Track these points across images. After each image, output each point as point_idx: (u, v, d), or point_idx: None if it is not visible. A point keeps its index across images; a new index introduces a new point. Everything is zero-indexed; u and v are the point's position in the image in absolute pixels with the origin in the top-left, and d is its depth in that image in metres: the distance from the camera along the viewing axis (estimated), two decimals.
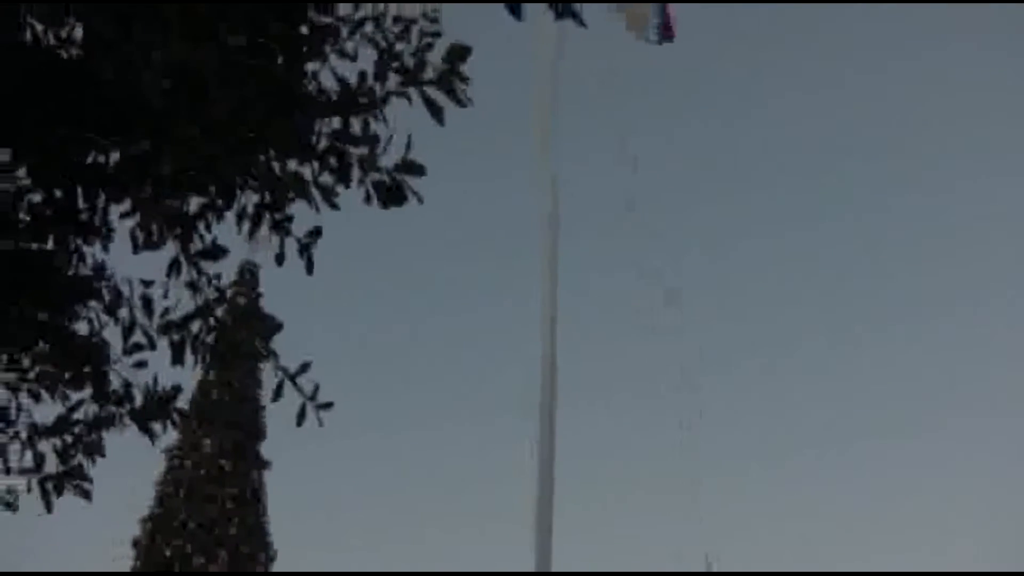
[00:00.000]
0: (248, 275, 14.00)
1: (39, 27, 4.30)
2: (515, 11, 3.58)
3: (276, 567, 16.89)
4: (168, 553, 16.27)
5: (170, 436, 16.70)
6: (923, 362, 32.62)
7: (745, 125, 34.23)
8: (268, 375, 4.92)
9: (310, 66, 4.30)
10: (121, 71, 3.93)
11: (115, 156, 4.42)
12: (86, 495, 4.99)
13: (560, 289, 11.95)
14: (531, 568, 10.22)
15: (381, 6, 4.36)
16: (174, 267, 4.69)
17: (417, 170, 4.28)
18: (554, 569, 10.34)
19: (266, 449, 17.27)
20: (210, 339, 4.86)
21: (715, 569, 11.00)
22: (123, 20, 3.99)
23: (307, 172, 4.39)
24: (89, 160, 4.43)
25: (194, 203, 4.58)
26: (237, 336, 4.84)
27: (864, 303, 34.70)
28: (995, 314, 30.57)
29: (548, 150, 12.11)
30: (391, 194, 4.30)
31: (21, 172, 4.48)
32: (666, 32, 13.79)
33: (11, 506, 5.02)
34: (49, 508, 4.95)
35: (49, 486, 4.98)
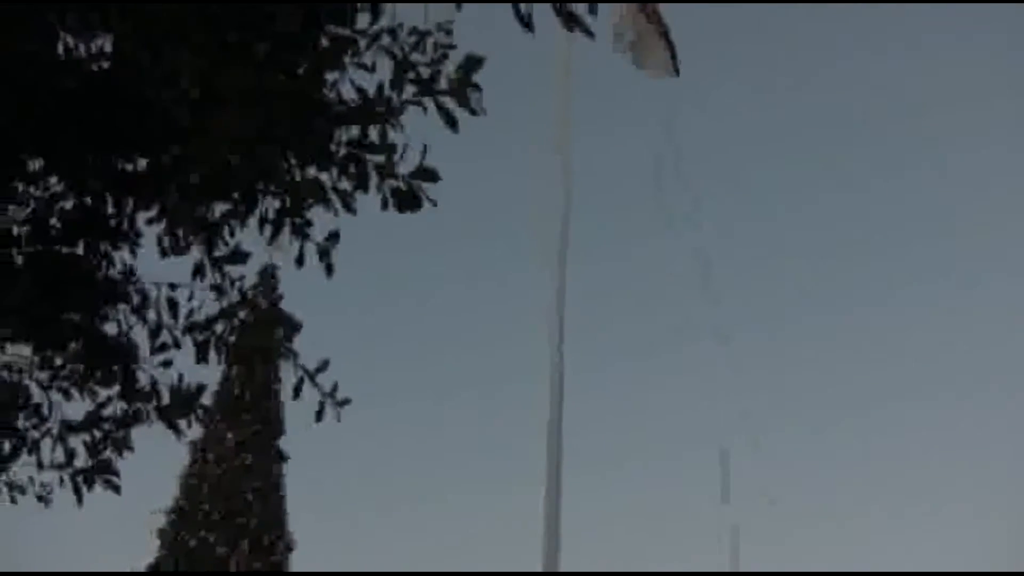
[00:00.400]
0: (269, 278, 14.04)
1: (70, 40, 4.37)
2: (527, 24, 3.62)
3: (294, 556, 16.97)
4: (192, 543, 16.36)
5: (194, 431, 16.76)
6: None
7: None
8: (287, 372, 4.98)
9: (329, 76, 4.34)
10: (151, 89, 3.99)
11: (142, 165, 4.48)
12: (115, 489, 5.04)
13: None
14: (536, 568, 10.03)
15: (397, 19, 4.40)
16: (199, 271, 4.75)
17: (432, 177, 4.34)
18: (563, 561, 10.14)
19: (285, 443, 17.34)
20: (233, 339, 4.92)
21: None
22: (154, 45, 4.04)
23: (326, 179, 4.45)
24: (117, 169, 4.49)
25: (218, 209, 4.63)
26: (259, 337, 4.90)
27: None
28: None
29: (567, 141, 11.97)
30: (407, 200, 4.36)
31: (53, 180, 4.56)
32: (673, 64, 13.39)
33: (44, 499, 5.08)
34: (80, 500, 5.00)
35: (80, 480, 5.03)
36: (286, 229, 4.57)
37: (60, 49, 4.34)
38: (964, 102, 29.40)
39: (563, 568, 10.16)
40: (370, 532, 28.03)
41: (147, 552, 16.64)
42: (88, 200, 4.56)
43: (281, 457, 17.21)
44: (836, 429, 29.90)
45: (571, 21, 3.81)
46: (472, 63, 4.35)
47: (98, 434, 5.10)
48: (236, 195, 4.51)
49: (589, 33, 3.84)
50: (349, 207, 4.49)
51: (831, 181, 32.85)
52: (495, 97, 4.42)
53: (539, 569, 10.04)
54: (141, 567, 16.52)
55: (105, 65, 4.35)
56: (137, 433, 5.15)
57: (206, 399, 5.18)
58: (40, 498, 5.09)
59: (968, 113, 29.20)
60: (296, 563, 16.98)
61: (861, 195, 32.25)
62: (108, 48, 4.37)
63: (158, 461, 16.35)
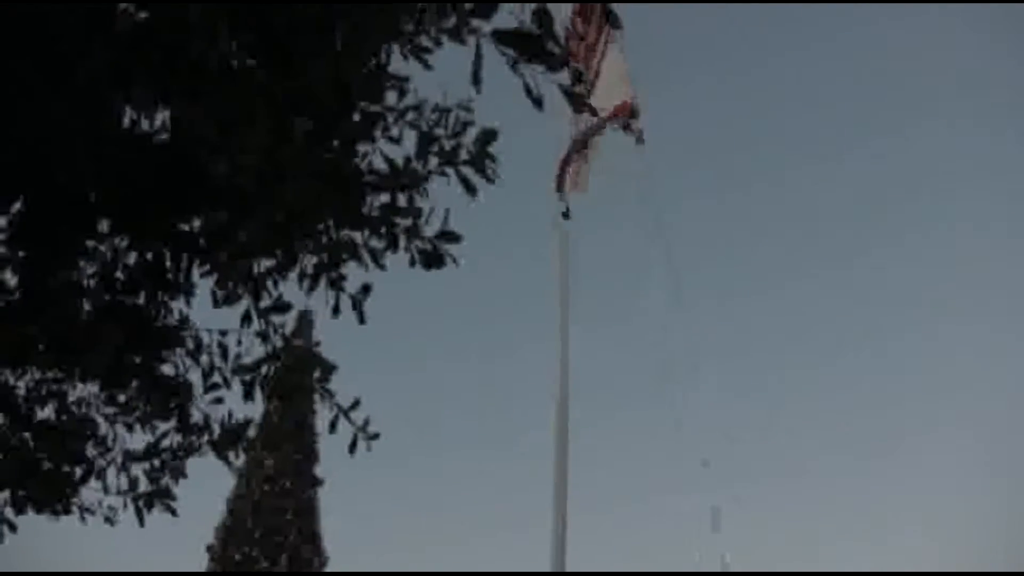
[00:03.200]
0: (307, 324, 13.98)
1: (134, 115, 4.36)
2: (537, 103, 3.60)
3: (329, 568, 16.85)
4: (238, 557, 16.27)
5: (240, 458, 16.81)
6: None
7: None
8: (322, 408, 4.94)
9: (361, 148, 4.33)
10: (217, 161, 3.99)
11: (197, 224, 4.46)
12: (172, 512, 5.04)
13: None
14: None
15: (420, 96, 4.39)
16: (246, 319, 4.72)
17: (454, 238, 4.31)
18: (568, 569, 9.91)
19: (320, 470, 17.31)
20: (275, 379, 4.88)
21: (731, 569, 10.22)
22: (223, 124, 4.03)
23: (359, 238, 4.42)
24: (175, 229, 4.48)
25: (262, 264, 4.61)
26: (298, 378, 4.86)
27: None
28: None
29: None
30: (432, 258, 4.33)
31: (118, 239, 4.54)
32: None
33: (110, 520, 5.06)
34: (141, 522, 4.98)
35: (141, 503, 5.03)
36: (323, 282, 4.53)
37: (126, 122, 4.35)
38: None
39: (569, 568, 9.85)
40: (396, 547, 27.92)
41: (198, 566, 16.57)
42: (149, 256, 4.54)
43: (316, 482, 17.17)
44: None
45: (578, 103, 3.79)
46: (488, 135, 4.34)
47: (157, 463, 5.12)
48: (279, 252, 4.49)
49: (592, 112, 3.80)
50: (379, 263, 4.46)
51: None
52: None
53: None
54: None
55: (165, 137, 4.34)
56: (190, 462, 5.14)
57: (250, 430, 5.17)
58: (107, 519, 5.08)
59: None
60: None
61: None
62: (167, 121, 4.37)
63: (208, 484, 16.31)
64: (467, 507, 30.18)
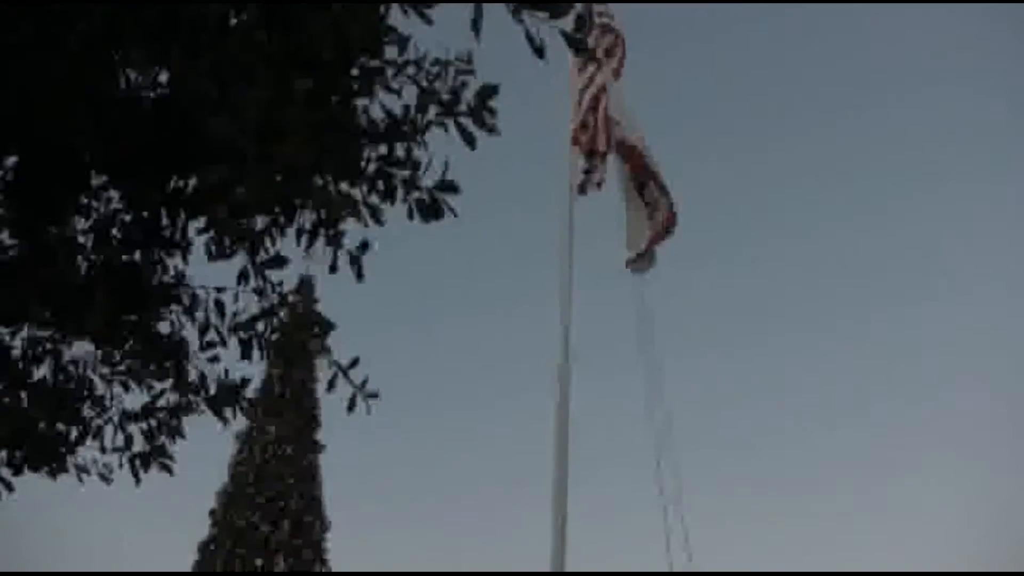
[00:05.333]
0: (307, 285, 13.94)
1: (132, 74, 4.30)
2: (539, 52, 3.51)
3: (330, 534, 16.91)
4: (240, 523, 16.30)
5: (240, 424, 16.88)
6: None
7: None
8: (322, 372, 4.87)
9: (360, 102, 4.25)
10: (218, 121, 3.91)
11: (193, 181, 4.39)
12: (169, 470, 5.00)
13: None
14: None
15: (422, 51, 4.31)
16: (243, 276, 4.64)
17: (453, 189, 4.22)
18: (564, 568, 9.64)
19: (322, 435, 17.34)
20: (273, 337, 4.82)
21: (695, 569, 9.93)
22: (223, 83, 3.95)
23: (357, 193, 4.34)
24: (172, 185, 4.41)
25: (260, 221, 4.53)
26: (297, 335, 4.79)
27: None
28: None
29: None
30: (430, 210, 4.24)
31: (113, 194, 4.47)
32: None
33: (105, 478, 5.03)
34: (137, 480, 4.95)
35: (137, 462, 4.98)
36: (321, 239, 4.45)
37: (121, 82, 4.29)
38: None
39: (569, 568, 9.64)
40: (396, 514, 28.00)
41: (201, 532, 16.61)
42: (145, 213, 4.46)
43: (317, 448, 17.20)
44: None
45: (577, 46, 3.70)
46: (488, 91, 4.24)
47: (153, 422, 5.05)
48: (277, 209, 4.41)
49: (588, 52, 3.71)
50: (378, 219, 4.38)
51: None
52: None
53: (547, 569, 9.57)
54: (196, 543, 16.48)
55: (162, 92, 4.27)
56: (191, 427, 5.11)
57: (250, 395, 5.12)
58: (102, 476, 5.04)
59: None
60: (332, 541, 16.93)
61: None
62: (165, 79, 4.31)
63: (211, 451, 16.35)
64: (468, 468, 30.25)
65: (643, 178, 11.27)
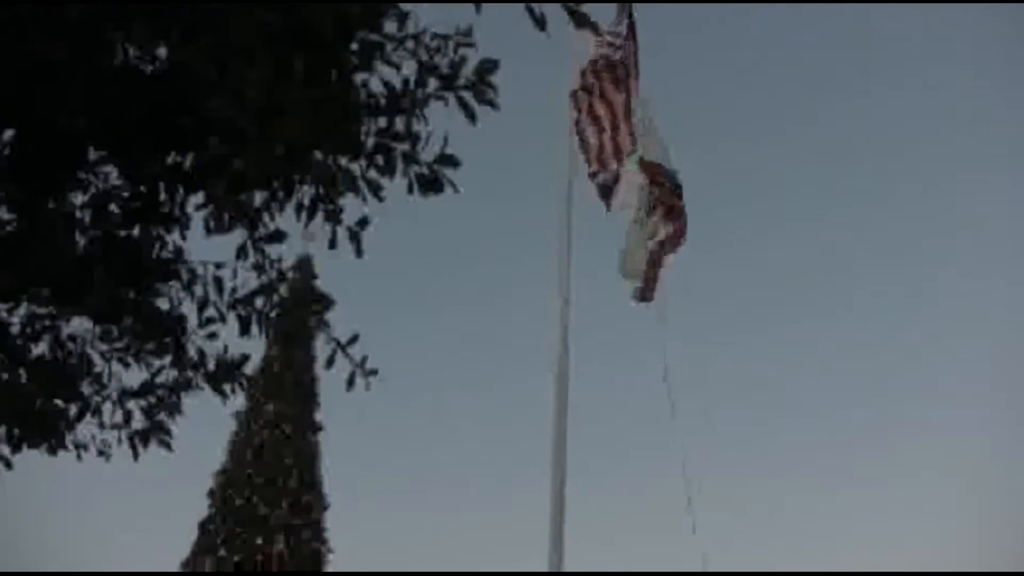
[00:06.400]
0: (306, 263, 13.88)
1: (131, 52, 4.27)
2: (540, 23, 3.48)
3: (328, 514, 16.91)
4: (238, 502, 16.31)
5: (239, 403, 16.88)
6: None
7: None
8: (322, 352, 4.86)
9: (360, 77, 4.22)
10: (217, 99, 3.89)
11: (192, 157, 4.37)
12: (168, 446, 5.00)
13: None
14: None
15: (421, 26, 4.27)
16: (242, 251, 4.62)
17: (453, 163, 4.19)
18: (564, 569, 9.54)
19: (321, 416, 17.34)
20: (272, 314, 4.80)
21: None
22: (222, 63, 3.93)
23: (356, 169, 4.31)
24: (170, 160, 4.38)
25: (258, 197, 4.50)
26: (296, 311, 4.77)
27: None
28: None
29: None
30: (430, 183, 4.21)
31: (110, 169, 4.45)
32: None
33: (105, 454, 5.03)
34: (136, 456, 4.94)
35: (136, 439, 4.97)
36: (320, 215, 4.43)
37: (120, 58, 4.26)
38: None
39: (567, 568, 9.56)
40: (395, 494, 28.04)
41: (199, 512, 16.62)
42: (143, 188, 4.44)
43: (317, 428, 17.20)
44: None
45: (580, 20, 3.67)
46: (488, 66, 4.21)
47: (152, 399, 5.04)
48: (276, 184, 4.39)
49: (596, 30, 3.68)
50: (377, 194, 4.35)
51: None
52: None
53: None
54: (195, 523, 16.49)
55: (161, 68, 4.25)
56: (190, 407, 5.11)
57: (249, 373, 5.10)
58: (101, 453, 5.03)
59: None
60: (330, 520, 16.94)
61: None
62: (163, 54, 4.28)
63: (209, 431, 16.36)
64: (468, 448, 30.26)
65: (659, 197, 10.98)
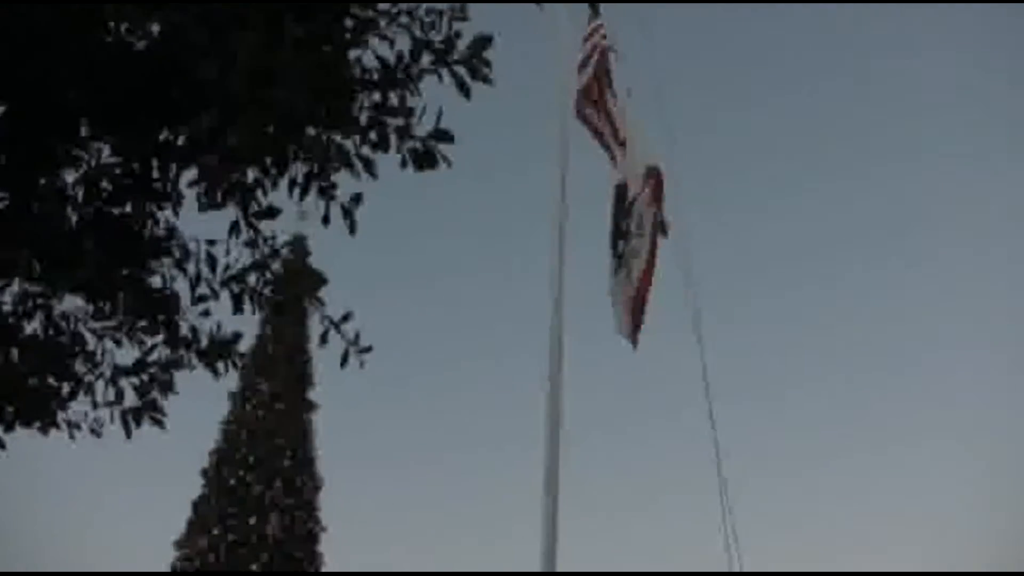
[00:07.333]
0: (300, 241, 13.87)
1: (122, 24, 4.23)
2: None
3: (322, 493, 16.95)
4: (232, 482, 16.32)
5: (233, 382, 16.85)
6: None
7: None
8: (315, 330, 4.84)
9: (353, 52, 4.18)
10: (208, 66, 3.85)
11: (184, 131, 4.33)
12: (161, 424, 4.96)
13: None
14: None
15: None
16: (234, 228, 4.58)
17: (447, 138, 4.16)
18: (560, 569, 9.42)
19: (315, 394, 17.35)
20: (266, 291, 4.77)
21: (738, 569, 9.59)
22: (215, 28, 3.88)
23: (350, 145, 4.27)
24: (162, 137, 4.35)
25: (251, 173, 4.47)
26: (289, 288, 4.75)
27: None
28: None
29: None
30: (424, 159, 4.18)
31: (102, 145, 4.41)
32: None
33: (97, 432, 5.00)
34: (128, 434, 4.91)
35: (129, 417, 4.93)
36: (313, 191, 4.40)
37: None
38: None
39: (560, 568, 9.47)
40: (389, 473, 28.07)
41: (193, 489, 16.65)
42: (135, 164, 4.40)
43: (310, 406, 17.21)
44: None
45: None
46: (482, 42, 4.18)
47: (145, 377, 4.98)
48: (268, 160, 4.35)
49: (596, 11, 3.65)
50: (371, 171, 4.32)
51: None
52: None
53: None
54: (189, 501, 16.51)
55: (154, 38, 4.21)
56: (184, 386, 5.06)
57: (242, 352, 5.07)
58: (93, 431, 5.00)
59: None
60: (324, 499, 16.98)
61: None
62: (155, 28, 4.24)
63: (204, 409, 16.35)
64: (462, 426, 30.29)
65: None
